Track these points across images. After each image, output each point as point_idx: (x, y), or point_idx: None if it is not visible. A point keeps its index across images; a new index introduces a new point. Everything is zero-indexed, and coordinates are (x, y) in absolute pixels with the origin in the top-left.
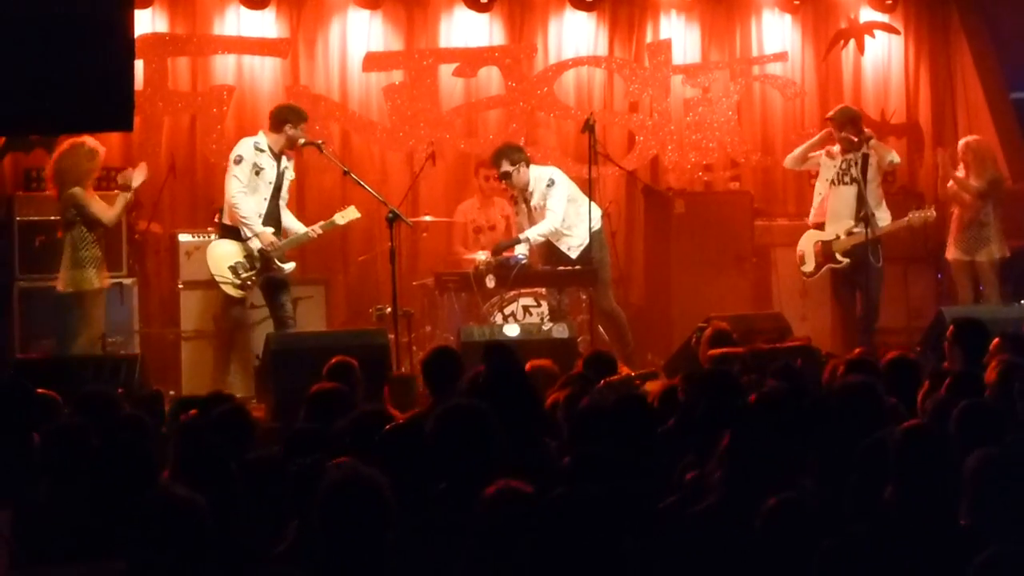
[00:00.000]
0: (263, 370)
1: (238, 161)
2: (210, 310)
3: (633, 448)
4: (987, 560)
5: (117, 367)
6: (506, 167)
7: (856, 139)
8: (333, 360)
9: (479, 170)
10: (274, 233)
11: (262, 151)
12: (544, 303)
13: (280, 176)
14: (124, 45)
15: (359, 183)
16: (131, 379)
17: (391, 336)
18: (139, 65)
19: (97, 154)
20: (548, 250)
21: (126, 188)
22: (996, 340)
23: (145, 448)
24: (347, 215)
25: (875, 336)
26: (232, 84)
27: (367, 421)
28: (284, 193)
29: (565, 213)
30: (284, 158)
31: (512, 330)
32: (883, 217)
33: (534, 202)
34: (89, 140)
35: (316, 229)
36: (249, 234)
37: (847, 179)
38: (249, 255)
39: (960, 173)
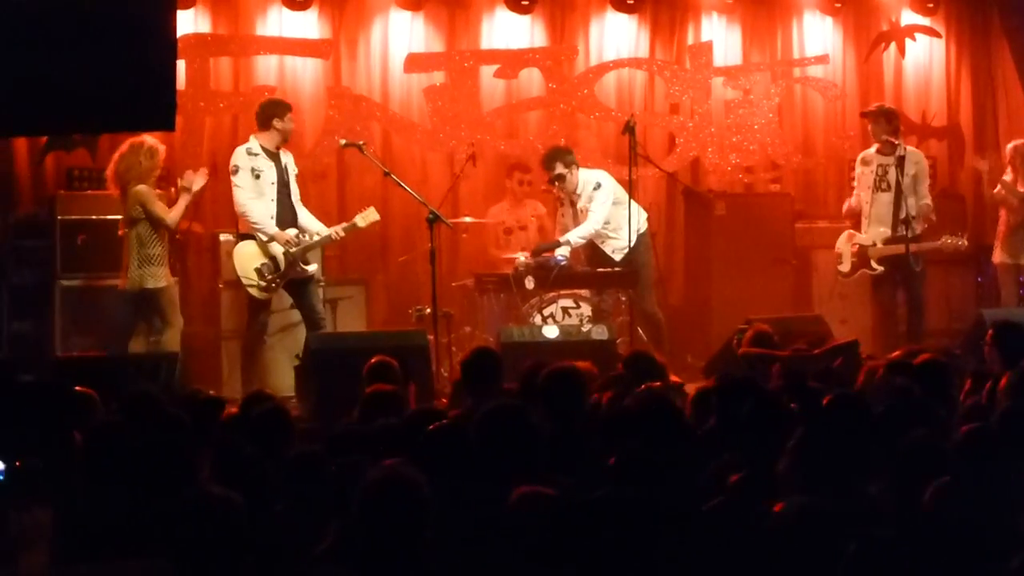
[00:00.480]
0: (303, 370)
1: (235, 171)
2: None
3: (662, 450)
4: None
5: (157, 366)
6: (560, 169)
7: (894, 141)
8: (373, 361)
9: (513, 172)
10: (295, 235)
11: (255, 154)
12: (583, 304)
13: (283, 173)
14: (167, 45)
15: (400, 184)
16: (171, 378)
17: (431, 337)
18: (181, 65)
19: (158, 152)
20: (592, 252)
21: (187, 190)
22: None
23: (185, 447)
24: (367, 217)
25: (924, 338)
26: (274, 85)
27: (413, 421)
28: (294, 189)
29: (611, 215)
30: (283, 154)
31: (551, 331)
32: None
33: (580, 204)
34: (149, 139)
35: (338, 231)
36: (265, 238)
37: (884, 185)
38: (274, 257)
39: (1007, 177)
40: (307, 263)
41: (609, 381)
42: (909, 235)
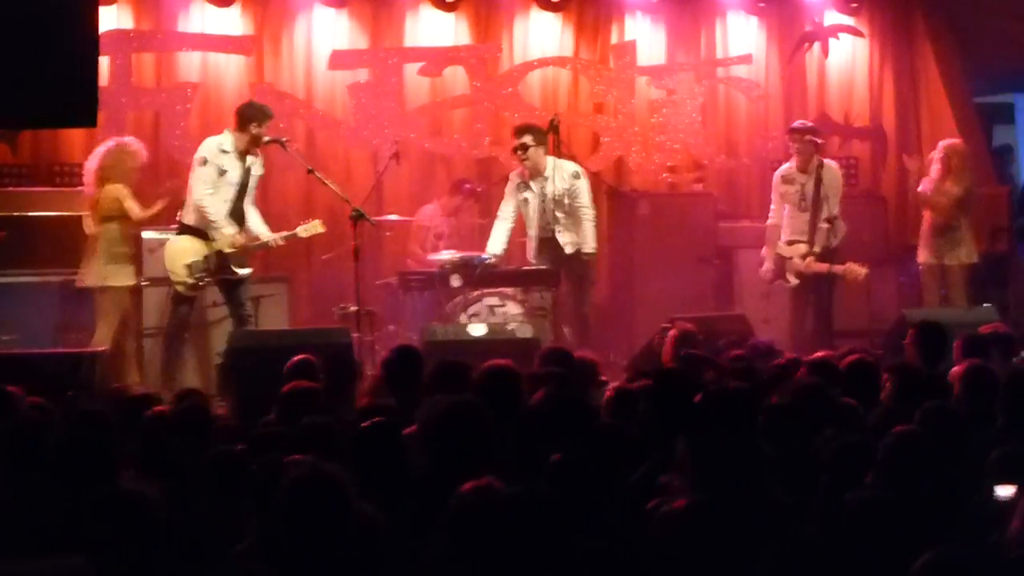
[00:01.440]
0: (225, 368)
1: (202, 163)
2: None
3: (578, 449)
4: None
5: (78, 363)
6: (527, 140)
7: (810, 158)
8: (295, 359)
9: (465, 190)
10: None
11: (226, 152)
12: (509, 303)
13: (245, 175)
14: (89, 41)
15: (323, 181)
16: (92, 375)
17: (354, 335)
18: (104, 61)
19: (140, 155)
20: (545, 244)
21: (168, 195)
22: (958, 342)
23: (105, 444)
24: (310, 229)
25: (834, 340)
26: (196, 81)
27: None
28: (250, 191)
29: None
30: (250, 156)
31: (478, 329)
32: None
33: (555, 193)
34: (133, 142)
35: (277, 239)
36: (215, 236)
37: (804, 204)
38: (207, 256)
39: (933, 175)
40: (242, 266)
41: (535, 379)
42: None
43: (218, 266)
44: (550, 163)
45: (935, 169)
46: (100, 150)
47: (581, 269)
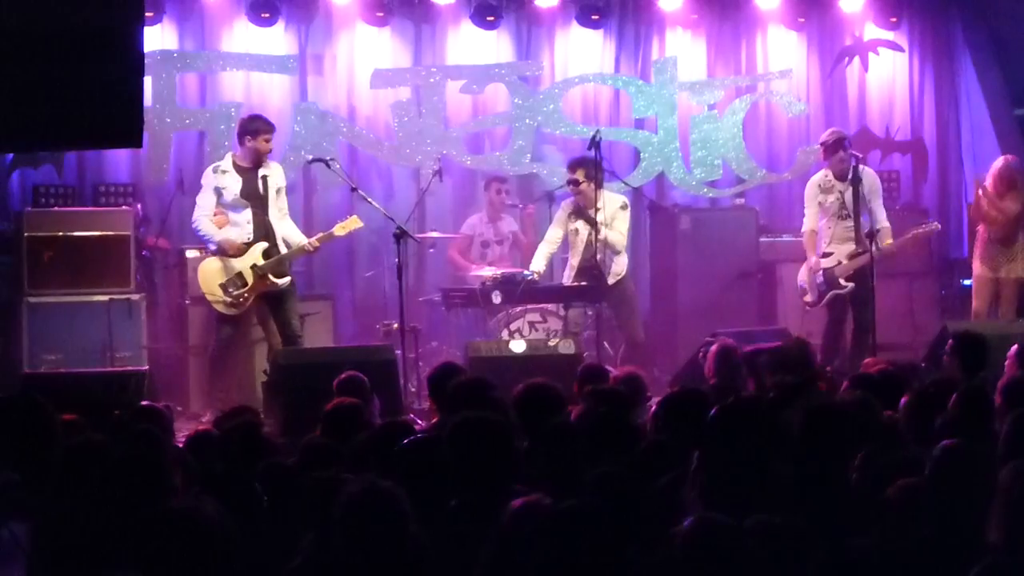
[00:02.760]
0: (271, 386)
1: (199, 189)
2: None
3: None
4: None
5: (125, 382)
6: (579, 176)
7: (848, 165)
8: (343, 375)
9: (491, 184)
10: (269, 246)
11: (224, 172)
12: (550, 319)
13: (257, 187)
14: (134, 61)
15: (367, 199)
16: (139, 394)
17: (398, 352)
18: (148, 81)
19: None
20: (589, 273)
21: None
22: (1012, 352)
23: (157, 462)
24: (347, 225)
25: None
26: (240, 100)
27: (387, 434)
28: (276, 202)
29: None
30: (264, 167)
31: (518, 346)
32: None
33: (603, 219)
34: None
35: (313, 242)
36: (214, 248)
37: (844, 212)
38: (240, 273)
39: (991, 190)
40: (280, 276)
41: (578, 396)
42: (874, 250)
43: (256, 279)
44: (602, 195)
45: (991, 183)
46: None
47: (625, 295)
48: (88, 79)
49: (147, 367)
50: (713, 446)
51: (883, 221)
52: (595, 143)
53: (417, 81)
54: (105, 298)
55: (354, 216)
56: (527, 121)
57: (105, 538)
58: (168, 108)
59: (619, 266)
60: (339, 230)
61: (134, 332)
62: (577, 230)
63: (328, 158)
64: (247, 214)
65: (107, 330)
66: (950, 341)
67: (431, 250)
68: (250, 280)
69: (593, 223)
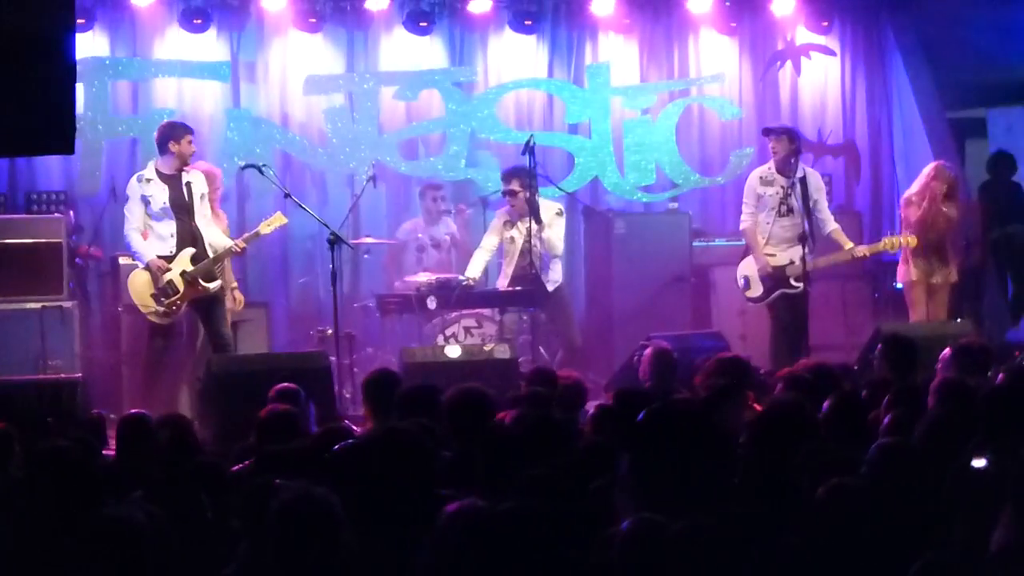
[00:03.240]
0: (204, 393)
1: (125, 199)
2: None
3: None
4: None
5: (59, 390)
6: (515, 187)
7: (793, 157)
8: (277, 388)
9: (426, 191)
10: (197, 252)
11: (148, 180)
12: (486, 324)
13: (181, 194)
14: (65, 68)
15: (300, 205)
16: (73, 402)
17: (333, 358)
18: (80, 88)
19: (216, 177)
20: (527, 280)
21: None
22: (946, 354)
23: (88, 470)
24: (272, 222)
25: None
26: (173, 107)
27: (324, 440)
28: (200, 208)
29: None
30: (185, 174)
31: (454, 351)
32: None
33: (536, 230)
34: (205, 165)
35: (239, 242)
36: (142, 266)
37: (784, 208)
38: (171, 281)
39: (929, 196)
40: (210, 280)
41: (513, 401)
42: (807, 253)
43: (186, 286)
44: (542, 203)
45: (924, 187)
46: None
47: (562, 301)
48: (19, 86)
49: (81, 375)
50: (642, 449)
51: (832, 222)
52: (529, 148)
53: (351, 87)
54: (38, 305)
55: (278, 213)
56: (461, 127)
57: (38, 545)
58: (100, 116)
59: (556, 273)
60: (264, 228)
61: (67, 340)
62: (513, 238)
63: (261, 164)
64: (171, 225)
65: (40, 338)
66: (879, 344)
67: (366, 256)
68: (181, 287)
69: (529, 229)
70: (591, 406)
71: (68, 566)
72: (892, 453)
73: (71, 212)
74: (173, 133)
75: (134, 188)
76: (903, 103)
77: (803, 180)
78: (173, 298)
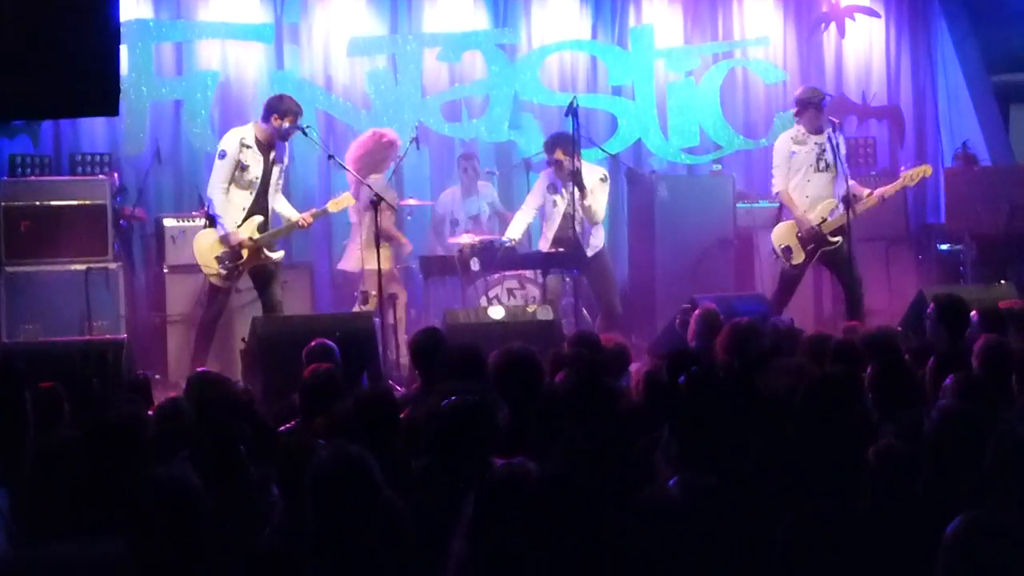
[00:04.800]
0: (249, 353)
1: (222, 156)
2: (195, 294)
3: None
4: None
5: (103, 352)
6: (559, 156)
7: (823, 121)
8: (312, 343)
9: (459, 161)
10: (263, 222)
11: (248, 147)
12: (528, 285)
13: (269, 166)
14: (109, 30)
15: (343, 167)
16: (118, 364)
17: (376, 320)
18: (124, 51)
19: (395, 145)
20: (569, 243)
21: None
22: (974, 316)
23: (137, 429)
24: (341, 202)
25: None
26: (217, 69)
27: (369, 402)
28: (276, 182)
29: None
30: (277, 147)
31: (497, 312)
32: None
33: (586, 197)
34: (389, 132)
35: (307, 217)
36: (221, 232)
37: (822, 165)
38: (238, 243)
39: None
40: (272, 249)
41: (555, 361)
42: (852, 213)
43: (251, 253)
44: (582, 167)
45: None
46: (360, 140)
47: (602, 267)
48: (64, 48)
49: (125, 336)
50: (683, 412)
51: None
52: (572, 110)
53: (394, 49)
54: (83, 267)
55: (347, 193)
56: (504, 89)
57: (85, 503)
58: (144, 77)
59: (597, 239)
60: (332, 206)
61: (112, 301)
62: (555, 202)
63: (305, 126)
64: (248, 199)
65: (85, 299)
66: (932, 306)
67: (409, 217)
68: (245, 254)
69: (573, 192)
70: (635, 368)
71: (118, 523)
72: (952, 416)
73: (115, 174)
74: (279, 108)
75: (234, 148)
76: (947, 67)
77: (831, 138)
78: (237, 262)
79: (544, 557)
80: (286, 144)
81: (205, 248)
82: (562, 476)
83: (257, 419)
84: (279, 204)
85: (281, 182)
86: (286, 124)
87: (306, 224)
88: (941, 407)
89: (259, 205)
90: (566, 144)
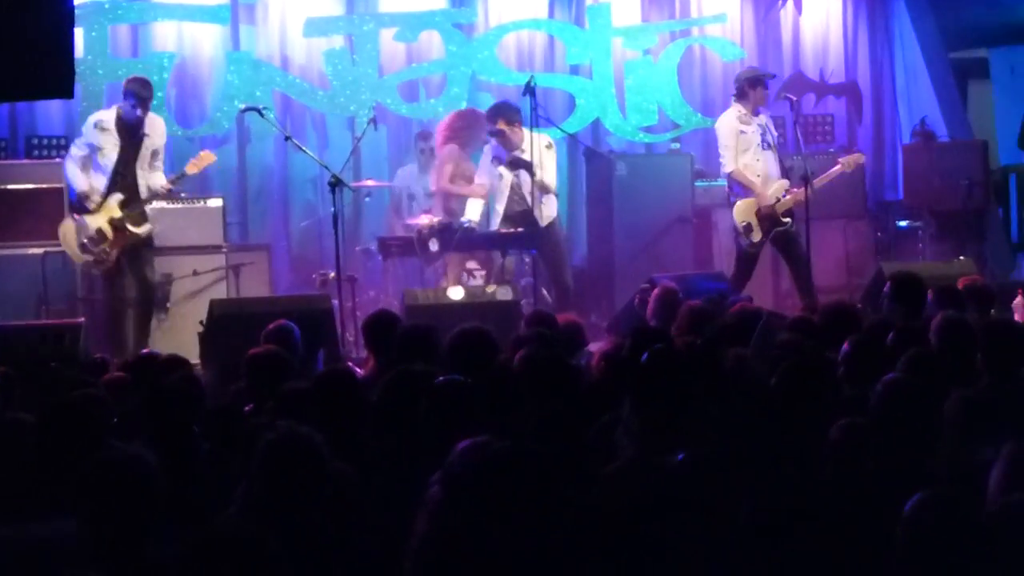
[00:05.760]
0: (207, 336)
1: (77, 138)
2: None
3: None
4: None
5: (61, 335)
6: (501, 126)
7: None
8: (270, 327)
9: (417, 140)
10: (125, 199)
11: (105, 130)
12: (486, 267)
13: (129, 148)
14: (64, 12)
15: (300, 148)
16: (75, 346)
17: (335, 301)
18: (79, 33)
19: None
20: (522, 215)
21: None
22: (931, 293)
23: (91, 409)
24: (199, 162)
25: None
26: (173, 50)
27: (326, 382)
28: (145, 160)
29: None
30: (143, 125)
31: (456, 293)
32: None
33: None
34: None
35: (166, 184)
36: (92, 207)
37: (766, 144)
38: (99, 229)
39: None
40: (139, 225)
41: (520, 340)
42: (809, 190)
43: (115, 233)
44: (526, 136)
45: None
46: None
47: (554, 238)
48: (18, 31)
49: (83, 319)
50: (644, 390)
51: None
52: (530, 89)
53: (351, 29)
54: (39, 251)
55: (205, 151)
56: (462, 68)
57: (38, 485)
58: (100, 59)
59: (549, 208)
60: (191, 168)
61: (69, 284)
62: (501, 174)
63: (261, 107)
64: (104, 179)
65: (42, 282)
66: (888, 283)
67: (367, 199)
68: (109, 235)
69: (520, 166)
70: (594, 347)
71: (75, 505)
72: (896, 388)
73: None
74: (131, 88)
75: (89, 131)
76: (905, 43)
77: (768, 117)
78: (102, 245)
79: (505, 534)
80: (155, 123)
81: (69, 238)
82: (522, 452)
83: (205, 400)
84: (153, 180)
85: (156, 161)
86: (128, 105)
87: (166, 190)
88: (886, 380)
89: (119, 185)
90: (509, 113)
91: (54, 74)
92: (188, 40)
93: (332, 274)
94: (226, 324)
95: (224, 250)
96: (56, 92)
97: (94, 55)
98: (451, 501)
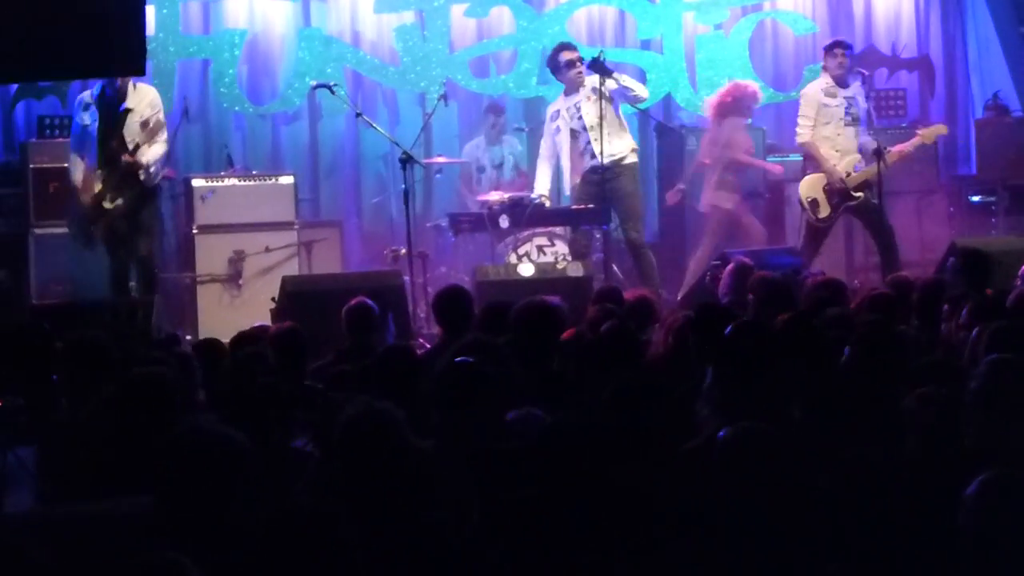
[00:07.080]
0: (279, 313)
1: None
2: (226, 254)
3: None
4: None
5: (133, 311)
6: (566, 56)
7: (846, 69)
8: (352, 303)
9: (487, 115)
10: (106, 174)
11: (87, 107)
12: (558, 242)
13: (106, 121)
14: None
15: (371, 124)
16: (147, 323)
17: (406, 277)
18: (150, 10)
19: (757, 97)
20: (582, 154)
21: None
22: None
23: (168, 385)
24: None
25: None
26: (244, 27)
27: (390, 359)
28: (135, 132)
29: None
30: (124, 99)
31: (527, 269)
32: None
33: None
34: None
35: (127, 157)
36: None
37: (849, 118)
38: (84, 210)
39: None
40: (112, 201)
41: (595, 317)
42: (883, 166)
43: (93, 213)
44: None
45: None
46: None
47: (620, 184)
48: (91, 8)
49: (155, 295)
50: (730, 362)
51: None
52: (599, 64)
53: (421, 5)
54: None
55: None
56: (532, 43)
57: (114, 461)
58: (171, 36)
59: (615, 147)
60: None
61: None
62: (558, 127)
63: (332, 83)
64: (90, 157)
65: None
66: (951, 259)
67: (438, 175)
68: (91, 214)
69: (601, 71)
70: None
71: (149, 481)
72: (1003, 367)
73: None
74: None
75: (77, 111)
76: (978, 16)
77: (857, 92)
78: (91, 225)
79: (563, 510)
80: (140, 96)
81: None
82: (581, 425)
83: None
84: (147, 156)
85: (152, 134)
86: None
87: (131, 160)
88: (991, 360)
89: (100, 160)
90: (569, 48)
91: (125, 51)
92: (259, 17)
93: (403, 250)
94: (298, 300)
95: (296, 227)
96: (127, 69)
97: (165, 32)
98: (500, 476)
